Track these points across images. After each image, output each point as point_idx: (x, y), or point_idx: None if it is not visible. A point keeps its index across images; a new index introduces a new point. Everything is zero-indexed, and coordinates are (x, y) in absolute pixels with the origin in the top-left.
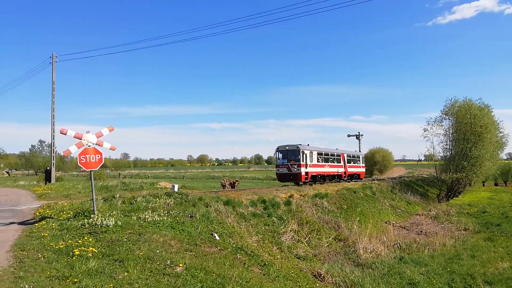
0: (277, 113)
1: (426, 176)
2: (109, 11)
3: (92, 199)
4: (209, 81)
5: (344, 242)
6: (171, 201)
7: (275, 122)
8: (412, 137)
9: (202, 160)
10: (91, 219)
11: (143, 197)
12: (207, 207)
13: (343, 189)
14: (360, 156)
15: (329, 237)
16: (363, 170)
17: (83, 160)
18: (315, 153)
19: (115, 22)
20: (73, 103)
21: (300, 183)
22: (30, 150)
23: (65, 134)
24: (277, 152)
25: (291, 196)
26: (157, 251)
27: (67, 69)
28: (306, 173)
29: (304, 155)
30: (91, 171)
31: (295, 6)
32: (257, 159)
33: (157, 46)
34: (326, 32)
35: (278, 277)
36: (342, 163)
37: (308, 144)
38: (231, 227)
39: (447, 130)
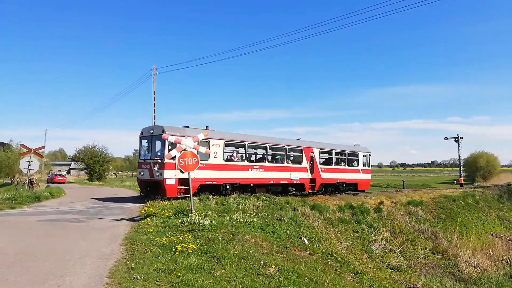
0: (361, 116)
1: None
2: (195, 29)
3: (190, 200)
4: (293, 84)
5: (443, 254)
6: (259, 203)
7: (359, 125)
8: None
9: None
10: (189, 218)
11: (233, 198)
12: (294, 210)
13: (440, 196)
14: (361, 154)
15: (425, 248)
16: (365, 176)
17: (182, 162)
18: (219, 145)
19: (203, 38)
20: (168, 110)
21: (165, 198)
22: (133, 154)
23: (167, 139)
24: (141, 140)
25: (381, 202)
26: (250, 251)
27: (164, 80)
28: (180, 180)
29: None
30: (189, 173)
31: (377, 5)
32: None
33: (243, 55)
34: (419, 29)
35: (372, 286)
36: (305, 164)
37: (206, 127)
38: (319, 232)
39: None
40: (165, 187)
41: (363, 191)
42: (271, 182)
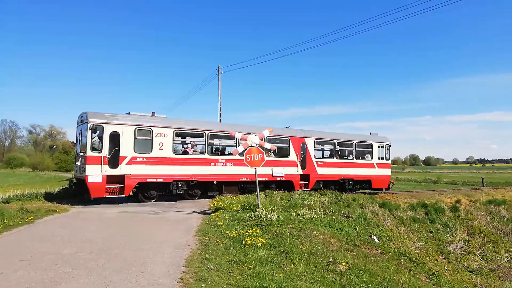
0: (433, 109)
1: None
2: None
3: (257, 195)
4: (355, 80)
5: None
6: (325, 200)
7: (431, 119)
8: None
9: None
10: (256, 212)
11: (298, 194)
12: (362, 208)
13: None
14: (375, 145)
15: (510, 251)
16: (383, 172)
17: (248, 158)
18: (166, 134)
19: (262, 37)
20: (234, 108)
21: (91, 199)
22: None
23: (234, 136)
24: (77, 129)
25: (457, 201)
26: (319, 247)
27: (228, 79)
28: (109, 177)
29: (110, 136)
30: (255, 168)
31: None
32: (413, 160)
33: (301, 52)
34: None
35: None
36: (294, 158)
37: (152, 113)
38: (390, 231)
39: None
40: (87, 185)
41: (381, 190)
42: (245, 179)
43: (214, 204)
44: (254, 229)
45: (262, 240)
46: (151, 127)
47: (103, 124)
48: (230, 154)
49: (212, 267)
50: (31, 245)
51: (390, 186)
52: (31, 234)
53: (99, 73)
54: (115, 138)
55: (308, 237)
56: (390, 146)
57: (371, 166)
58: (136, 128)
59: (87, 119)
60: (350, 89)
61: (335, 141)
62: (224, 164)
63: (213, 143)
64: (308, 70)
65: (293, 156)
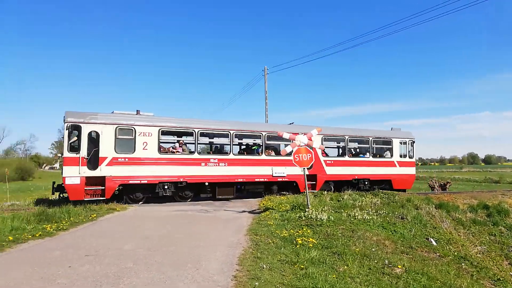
0: (490, 105)
1: None
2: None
3: (306, 195)
4: (404, 78)
5: None
6: (377, 200)
7: (489, 115)
8: None
9: None
10: (306, 212)
11: (349, 195)
12: (417, 209)
13: None
14: (396, 141)
15: None
16: (405, 171)
17: (297, 158)
18: (151, 133)
19: (304, 40)
20: (280, 109)
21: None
22: None
23: (282, 136)
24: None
25: None
26: (373, 249)
27: (274, 80)
28: (89, 179)
29: (88, 136)
30: (303, 168)
31: None
32: (471, 158)
33: (343, 51)
34: None
35: None
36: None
37: (137, 112)
38: (448, 233)
39: None
40: (65, 187)
41: (404, 191)
42: (240, 180)
43: (263, 204)
44: (304, 229)
45: (313, 240)
46: (133, 126)
47: (80, 124)
48: (223, 152)
49: (264, 266)
50: (95, 241)
51: (447, 186)
52: (94, 230)
53: (162, 77)
54: (94, 138)
55: (361, 239)
56: (414, 142)
57: (391, 164)
58: (117, 127)
59: (64, 119)
60: (399, 86)
61: (346, 137)
62: (217, 164)
63: (204, 141)
64: (353, 68)
65: (271, 155)
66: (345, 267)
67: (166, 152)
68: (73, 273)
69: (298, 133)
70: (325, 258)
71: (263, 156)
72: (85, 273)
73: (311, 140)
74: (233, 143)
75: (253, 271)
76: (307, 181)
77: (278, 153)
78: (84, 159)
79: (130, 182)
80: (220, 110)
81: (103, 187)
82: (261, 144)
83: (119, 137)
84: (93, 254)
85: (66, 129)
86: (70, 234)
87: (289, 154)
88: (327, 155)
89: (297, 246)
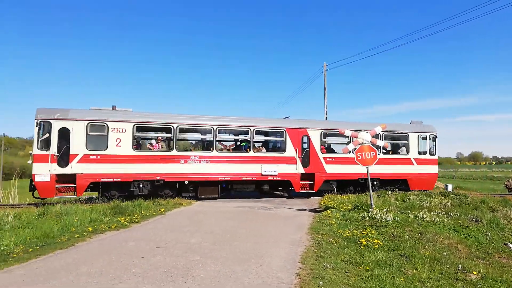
0: None
1: None
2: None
3: (369, 194)
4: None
5: None
6: (447, 201)
7: None
8: None
9: (475, 158)
10: (369, 212)
11: (415, 195)
12: (492, 212)
13: None
14: (413, 136)
15: None
16: (424, 169)
17: (359, 157)
18: (124, 129)
19: (365, 33)
20: (340, 105)
21: (39, 200)
22: None
23: (343, 134)
24: None
25: None
26: (444, 253)
27: (334, 76)
28: (60, 177)
29: (58, 132)
30: (367, 167)
31: None
32: None
33: (410, 43)
34: None
35: None
36: (292, 153)
37: (113, 107)
38: None
39: None
40: (35, 185)
41: (425, 191)
42: (225, 178)
43: (323, 203)
44: (368, 230)
45: (379, 241)
46: (106, 122)
47: (50, 120)
48: (205, 149)
49: (328, 265)
50: (164, 234)
51: None
52: (163, 224)
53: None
54: (64, 134)
55: (431, 242)
56: (436, 136)
57: (407, 162)
58: (88, 123)
59: (35, 116)
60: (465, 79)
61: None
62: (198, 162)
63: (184, 137)
64: (413, 61)
65: (290, 151)
66: (414, 270)
67: (142, 149)
68: (145, 263)
69: (361, 130)
70: (392, 260)
71: (251, 153)
72: (156, 263)
73: (374, 137)
74: (217, 139)
75: (316, 270)
76: (303, 180)
77: (268, 150)
78: (54, 156)
79: (102, 180)
80: (277, 108)
81: (75, 185)
82: (249, 140)
83: (91, 133)
84: (163, 246)
85: (36, 126)
86: (142, 226)
87: (350, 152)
88: (327, 152)
89: (361, 247)
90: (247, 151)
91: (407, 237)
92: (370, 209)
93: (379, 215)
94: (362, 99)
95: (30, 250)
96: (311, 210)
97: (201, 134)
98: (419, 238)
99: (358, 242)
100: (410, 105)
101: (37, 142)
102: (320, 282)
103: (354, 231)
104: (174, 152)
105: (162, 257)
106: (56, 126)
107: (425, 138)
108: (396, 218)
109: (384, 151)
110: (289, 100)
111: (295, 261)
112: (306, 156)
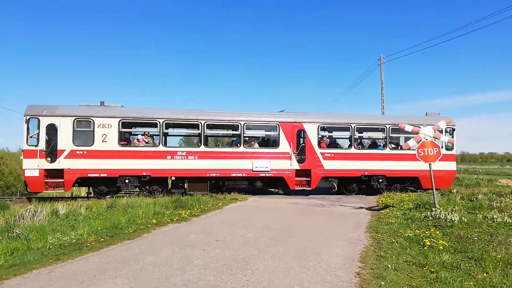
0: None
1: None
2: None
3: (433, 193)
4: None
5: None
6: None
7: None
8: None
9: None
10: (433, 212)
11: (484, 194)
12: None
13: None
14: (427, 129)
15: None
16: (439, 166)
17: (421, 153)
18: (110, 125)
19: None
20: (398, 99)
21: (29, 194)
22: None
23: (403, 129)
24: None
25: None
26: None
27: (391, 69)
28: (49, 172)
29: (46, 128)
30: (429, 164)
31: None
32: None
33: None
34: None
35: None
36: (286, 148)
37: (101, 103)
38: None
39: None
40: (25, 180)
41: (439, 191)
42: (213, 174)
43: (382, 201)
44: (432, 230)
45: (444, 242)
46: (92, 118)
47: (39, 117)
48: (192, 144)
49: (389, 265)
50: (222, 227)
51: None
52: (221, 218)
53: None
54: (52, 130)
55: (503, 244)
56: (454, 130)
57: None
58: (74, 119)
59: (24, 113)
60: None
61: (353, 126)
62: (185, 157)
63: (170, 132)
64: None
65: (284, 146)
66: (485, 274)
67: (128, 145)
68: (206, 256)
69: (423, 125)
70: (459, 262)
71: (242, 148)
72: (216, 256)
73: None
74: (204, 134)
75: (377, 270)
76: (299, 177)
77: (260, 145)
78: (43, 152)
79: (89, 175)
80: (333, 102)
81: (63, 180)
82: (239, 135)
83: (77, 129)
84: (221, 239)
85: (26, 122)
86: (201, 220)
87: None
88: (331, 147)
89: (425, 248)
90: (237, 146)
91: (476, 238)
92: (433, 208)
93: (444, 214)
94: (423, 92)
95: (101, 239)
96: (368, 208)
97: (189, 129)
98: (489, 240)
99: (421, 243)
100: (479, 97)
101: (26, 138)
102: (382, 282)
103: (416, 231)
104: (160, 148)
105: (222, 250)
106: (44, 122)
107: (440, 131)
108: (463, 218)
109: (393, 145)
110: (339, 97)
111: (354, 260)
112: (301, 151)
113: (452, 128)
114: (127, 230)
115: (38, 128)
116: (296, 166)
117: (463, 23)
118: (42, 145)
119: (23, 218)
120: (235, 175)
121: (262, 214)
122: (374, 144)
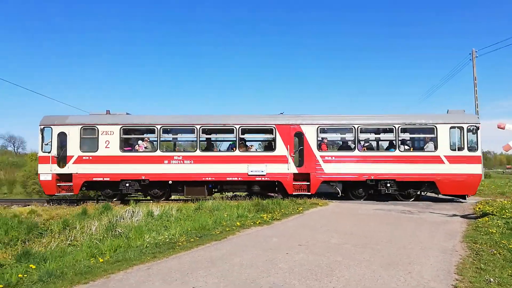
0: None
1: None
2: None
3: None
4: None
5: None
6: None
7: None
8: None
9: None
10: None
11: None
12: None
13: None
14: (443, 128)
15: None
16: (459, 170)
17: None
18: (113, 132)
19: None
20: (497, 96)
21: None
22: None
23: (503, 129)
24: None
25: None
26: None
27: (484, 63)
28: (60, 176)
29: (58, 136)
30: None
31: None
32: None
33: None
34: None
35: None
36: (283, 151)
37: (107, 112)
38: None
39: None
40: (40, 183)
41: (464, 197)
42: (209, 178)
43: (479, 208)
44: None
45: None
46: (96, 125)
47: (51, 126)
48: (189, 149)
49: (491, 279)
50: (304, 232)
51: None
52: (302, 222)
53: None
54: (62, 138)
55: None
56: (478, 128)
57: (435, 160)
58: (81, 127)
59: (40, 123)
60: None
61: (356, 126)
62: (181, 162)
63: (167, 138)
64: None
65: (281, 149)
66: None
67: (129, 150)
68: (290, 260)
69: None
70: None
71: (237, 152)
72: (300, 261)
73: None
74: (201, 138)
75: (477, 284)
76: (297, 181)
77: (260, 148)
78: (55, 158)
79: (94, 179)
80: (418, 103)
81: (72, 183)
82: (234, 139)
83: (84, 136)
84: (304, 244)
85: (40, 131)
86: (283, 224)
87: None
88: (328, 149)
89: None
90: (233, 150)
91: None
92: None
93: None
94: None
95: (191, 240)
96: (463, 216)
97: (185, 134)
98: None
99: None
100: None
101: (41, 145)
102: None
103: None
104: (157, 153)
105: (305, 255)
106: (56, 131)
107: (459, 128)
108: None
109: (406, 147)
110: (424, 97)
111: (449, 272)
112: (300, 154)
113: (475, 126)
114: (214, 231)
115: (51, 136)
116: (294, 170)
117: None
118: (54, 151)
119: (123, 218)
120: (230, 179)
121: (344, 219)
122: (386, 146)
